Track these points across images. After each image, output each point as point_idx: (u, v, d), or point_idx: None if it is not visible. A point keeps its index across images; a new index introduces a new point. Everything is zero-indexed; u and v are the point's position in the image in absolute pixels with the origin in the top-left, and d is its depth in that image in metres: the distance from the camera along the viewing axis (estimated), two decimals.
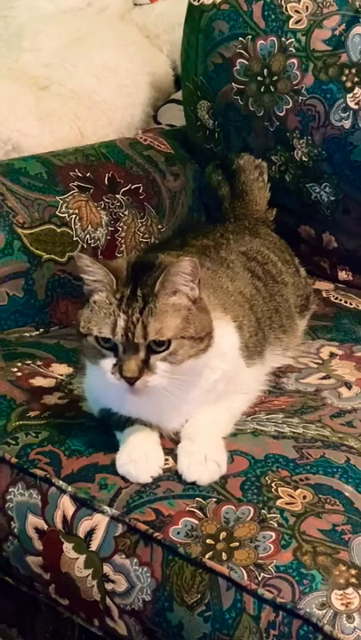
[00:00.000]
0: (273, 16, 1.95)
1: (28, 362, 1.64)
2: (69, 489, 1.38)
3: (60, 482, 1.39)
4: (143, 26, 2.64)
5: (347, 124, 1.88)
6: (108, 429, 1.44)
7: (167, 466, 1.37)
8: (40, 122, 2.22)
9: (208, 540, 1.27)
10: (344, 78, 1.87)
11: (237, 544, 1.25)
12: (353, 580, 1.20)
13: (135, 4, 2.71)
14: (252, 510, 1.29)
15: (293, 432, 1.44)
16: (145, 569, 1.29)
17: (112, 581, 1.31)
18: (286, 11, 1.94)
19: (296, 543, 1.24)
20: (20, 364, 1.63)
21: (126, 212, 1.97)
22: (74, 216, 1.88)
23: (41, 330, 1.82)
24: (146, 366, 1.30)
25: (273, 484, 1.33)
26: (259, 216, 1.96)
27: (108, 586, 1.32)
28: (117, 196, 1.96)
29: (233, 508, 1.30)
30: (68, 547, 1.36)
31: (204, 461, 1.34)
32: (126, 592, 1.30)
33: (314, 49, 1.91)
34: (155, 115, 2.48)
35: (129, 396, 1.33)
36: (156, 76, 2.49)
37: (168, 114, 2.45)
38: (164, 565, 1.28)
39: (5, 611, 1.62)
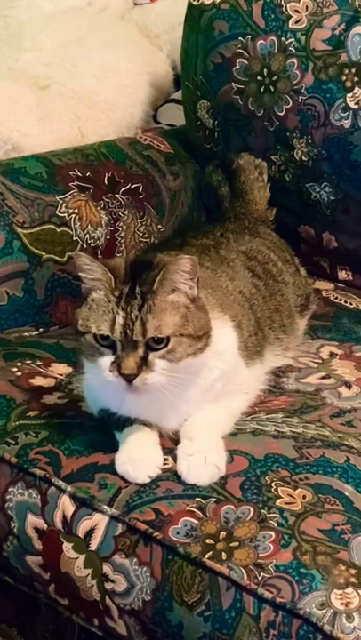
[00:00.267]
0: (273, 16, 1.95)
1: (28, 361, 1.64)
2: (69, 488, 1.38)
3: (60, 481, 1.39)
4: (143, 25, 2.65)
5: (346, 123, 1.88)
6: (107, 429, 1.44)
7: (167, 466, 1.37)
8: (40, 122, 2.22)
9: (208, 540, 1.27)
10: (344, 78, 1.87)
11: (237, 544, 1.25)
12: (353, 580, 1.20)
13: (135, 4, 2.71)
14: (251, 510, 1.29)
15: (293, 432, 1.44)
16: (145, 568, 1.29)
17: (112, 581, 1.31)
18: (286, 10, 1.94)
19: (296, 543, 1.24)
20: (19, 364, 1.63)
21: (126, 212, 1.97)
22: (73, 216, 1.88)
23: (41, 329, 1.82)
24: (144, 364, 1.30)
25: (273, 484, 1.33)
26: (259, 216, 1.96)
27: (108, 585, 1.32)
28: (117, 195, 1.96)
29: (233, 507, 1.30)
30: (67, 546, 1.36)
31: (203, 463, 1.34)
32: (126, 592, 1.30)
33: (314, 48, 1.91)
34: (154, 114, 2.48)
35: (127, 394, 1.33)
36: (155, 76, 2.49)
37: (168, 113, 2.45)
38: (164, 565, 1.28)
39: (5, 610, 1.62)
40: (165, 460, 1.38)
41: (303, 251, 2.03)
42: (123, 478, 1.36)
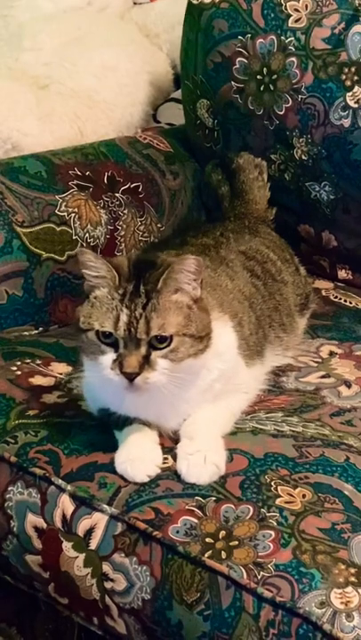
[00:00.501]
0: (272, 15, 1.95)
1: (28, 361, 1.64)
2: (69, 488, 1.38)
3: (60, 480, 1.39)
4: (143, 25, 2.64)
5: (346, 122, 1.88)
6: (107, 428, 1.43)
7: (166, 465, 1.37)
8: (40, 121, 2.22)
9: (207, 539, 1.27)
10: (344, 77, 1.87)
11: (237, 543, 1.25)
12: (352, 579, 1.20)
13: (135, 3, 2.71)
14: (251, 509, 1.29)
15: (293, 431, 1.44)
16: (144, 568, 1.29)
17: (111, 580, 1.31)
18: (286, 9, 1.94)
19: (295, 542, 1.24)
20: (19, 363, 1.63)
21: (126, 211, 1.97)
22: (73, 215, 1.88)
23: (40, 329, 1.82)
24: (146, 363, 1.30)
25: (272, 483, 1.33)
26: (258, 215, 1.96)
27: (108, 584, 1.32)
28: (117, 194, 1.96)
29: (232, 506, 1.30)
30: (67, 545, 1.36)
31: (203, 463, 1.34)
32: (126, 591, 1.30)
33: (313, 47, 1.91)
34: (154, 113, 2.48)
35: (127, 394, 1.33)
36: (155, 75, 2.49)
37: (167, 113, 2.45)
38: (164, 564, 1.27)
39: (5, 609, 1.62)
40: (165, 459, 1.38)
41: (303, 250, 2.03)
42: (122, 477, 1.36)
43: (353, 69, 1.86)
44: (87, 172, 1.94)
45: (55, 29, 2.46)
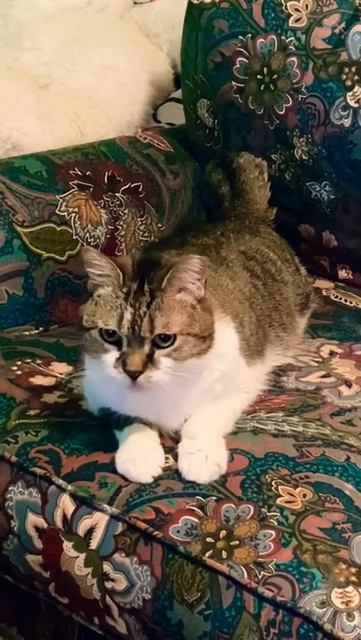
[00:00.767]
0: (273, 14, 1.95)
1: (28, 360, 1.64)
2: (69, 487, 1.38)
3: (60, 480, 1.39)
4: (143, 24, 2.64)
5: (347, 122, 1.88)
6: (107, 428, 1.43)
7: (167, 464, 1.37)
8: (40, 121, 2.22)
9: (208, 539, 1.26)
10: (344, 77, 1.87)
11: (237, 542, 1.25)
12: (353, 579, 1.20)
13: (135, 3, 2.71)
14: (252, 509, 1.29)
15: (293, 430, 1.44)
16: (145, 567, 1.29)
17: (112, 580, 1.31)
18: (286, 9, 1.94)
19: (296, 541, 1.24)
20: (19, 363, 1.63)
21: (126, 211, 1.97)
22: (73, 214, 1.88)
23: (41, 328, 1.82)
24: (150, 361, 1.30)
25: (273, 483, 1.33)
26: (259, 215, 1.96)
27: (108, 584, 1.31)
28: (117, 194, 1.96)
29: (233, 506, 1.30)
30: (67, 545, 1.36)
31: (204, 461, 1.34)
32: (126, 590, 1.30)
33: (314, 47, 1.91)
34: (154, 113, 2.48)
35: (129, 393, 1.33)
36: (155, 75, 2.49)
37: (168, 112, 2.45)
38: (164, 564, 1.27)
39: (5, 609, 1.62)
40: (166, 458, 1.38)
41: (303, 249, 2.03)
42: (123, 477, 1.36)
43: (353, 69, 1.86)
44: (87, 172, 1.94)
45: (55, 29, 2.46)
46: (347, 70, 1.87)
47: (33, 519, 1.40)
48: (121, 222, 1.95)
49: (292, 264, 1.85)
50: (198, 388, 1.39)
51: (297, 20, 1.93)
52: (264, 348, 1.59)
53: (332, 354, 1.70)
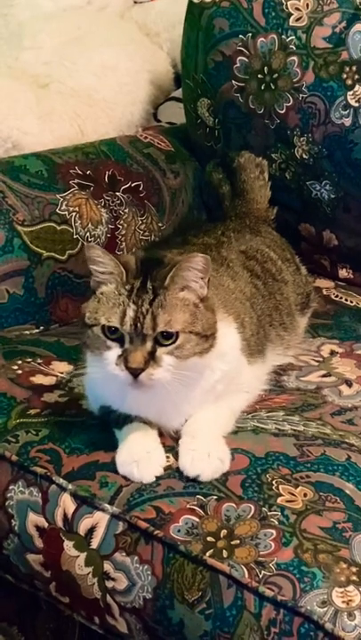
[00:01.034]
0: (273, 13, 1.95)
1: (29, 360, 1.64)
2: (70, 487, 1.38)
3: (61, 480, 1.39)
4: (143, 24, 2.64)
5: (347, 121, 1.88)
6: (108, 427, 1.43)
7: (167, 463, 1.37)
8: (40, 120, 2.22)
9: (209, 538, 1.26)
10: (345, 76, 1.87)
11: (238, 542, 1.25)
12: (354, 578, 1.20)
13: (135, 2, 2.71)
14: (252, 508, 1.29)
15: (294, 430, 1.44)
16: (145, 567, 1.29)
17: (113, 579, 1.31)
18: (287, 8, 1.94)
19: (297, 541, 1.24)
20: (20, 362, 1.63)
21: (126, 210, 1.97)
22: (74, 214, 1.88)
23: (41, 328, 1.82)
24: (152, 359, 1.30)
25: (274, 482, 1.33)
26: (259, 214, 1.96)
27: (109, 584, 1.31)
28: (117, 193, 1.96)
29: (234, 505, 1.30)
30: (68, 544, 1.36)
31: (207, 457, 1.34)
32: (127, 590, 1.30)
33: (314, 46, 1.91)
34: (155, 112, 2.48)
35: (131, 391, 1.33)
36: (156, 74, 2.49)
37: (168, 111, 2.45)
38: (165, 563, 1.27)
39: (6, 609, 1.62)
40: (166, 457, 1.37)
41: (304, 249, 2.03)
42: (124, 477, 1.36)
43: (354, 68, 1.86)
44: (88, 171, 1.94)
45: (55, 28, 2.46)
46: (347, 69, 1.87)
47: (34, 518, 1.40)
48: (121, 221, 1.95)
49: (293, 263, 1.85)
50: (200, 388, 1.39)
51: (298, 20, 1.93)
52: (265, 347, 1.59)
53: (332, 353, 1.70)
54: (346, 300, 1.95)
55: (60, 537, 1.37)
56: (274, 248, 1.81)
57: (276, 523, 1.26)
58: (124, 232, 1.95)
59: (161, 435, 1.41)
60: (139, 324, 1.29)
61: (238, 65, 2.00)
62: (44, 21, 2.48)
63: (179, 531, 1.28)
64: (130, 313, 1.30)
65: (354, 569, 1.21)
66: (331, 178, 1.93)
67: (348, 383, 1.59)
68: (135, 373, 1.29)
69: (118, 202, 1.96)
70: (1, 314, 1.77)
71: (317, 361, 1.67)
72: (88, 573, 1.34)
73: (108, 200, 1.94)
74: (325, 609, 1.17)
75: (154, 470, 1.35)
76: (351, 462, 1.38)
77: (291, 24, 1.93)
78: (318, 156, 1.93)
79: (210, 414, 1.41)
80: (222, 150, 2.08)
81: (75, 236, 1.87)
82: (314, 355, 1.69)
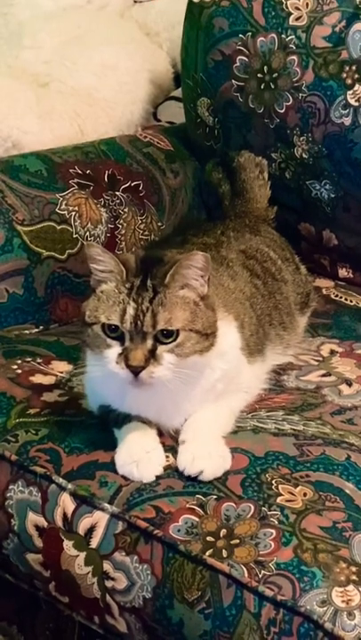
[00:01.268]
0: (273, 13, 1.95)
1: (28, 359, 1.64)
2: (69, 486, 1.38)
3: (61, 479, 1.39)
4: (143, 23, 2.64)
5: (347, 121, 1.88)
6: (108, 427, 1.43)
7: (167, 463, 1.37)
8: (40, 119, 2.22)
9: (208, 538, 1.26)
10: (344, 75, 1.87)
11: (238, 541, 1.25)
12: (354, 578, 1.20)
13: (135, 2, 2.71)
14: (252, 507, 1.29)
15: (294, 429, 1.44)
16: (145, 566, 1.29)
17: (112, 579, 1.31)
18: (286, 7, 1.94)
19: (297, 540, 1.24)
20: (19, 362, 1.63)
21: (126, 210, 1.97)
22: (74, 213, 1.88)
23: (41, 327, 1.82)
24: (152, 357, 1.30)
25: (273, 482, 1.33)
26: (259, 214, 1.96)
27: (109, 583, 1.31)
28: (117, 193, 1.96)
29: (233, 505, 1.30)
30: (68, 544, 1.36)
31: (208, 455, 1.34)
32: (126, 589, 1.30)
33: (314, 46, 1.91)
34: (154, 112, 2.47)
35: (131, 389, 1.32)
36: (155, 74, 2.49)
37: (168, 111, 2.45)
38: (165, 563, 1.27)
39: (6, 608, 1.62)
40: (166, 457, 1.37)
41: (304, 248, 2.03)
42: (123, 476, 1.36)
43: (354, 68, 1.86)
44: (88, 171, 1.94)
45: (55, 28, 2.46)
46: (347, 69, 1.87)
47: (33, 518, 1.40)
48: (121, 221, 1.95)
49: (293, 263, 1.84)
50: (200, 387, 1.39)
51: (297, 19, 1.93)
52: (264, 346, 1.59)
53: (332, 353, 1.70)
54: (346, 299, 1.95)
55: (60, 536, 1.37)
56: (274, 247, 1.81)
57: (276, 522, 1.26)
58: (123, 231, 1.95)
59: (160, 434, 1.41)
60: (139, 322, 1.29)
61: (238, 64, 2.00)
62: (44, 20, 2.48)
63: (178, 530, 1.28)
64: (130, 311, 1.30)
65: (354, 568, 1.21)
66: (331, 177, 1.93)
67: (348, 383, 1.59)
68: (135, 371, 1.29)
69: (118, 201, 1.96)
70: (0, 313, 1.77)
71: (317, 360, 1.67)
72: (88, 573, 1.34)
73: (108, 199, 1.94)
74: (325, 608, 1.17)
75: (154, 470, 1.35)
76: (351, 462, 1.38)
77: (290, 23, 1.93)
78: (318, 156, 1.93)
79: (210, 414, 1.41)
80: (222, 150, 2.08)
81: (74, 236, 1.87)
82: (314, 354, 1.69)
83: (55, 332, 1.79)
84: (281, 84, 1.95)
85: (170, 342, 1.30)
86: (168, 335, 1.30)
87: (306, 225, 2.04)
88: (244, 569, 1.22)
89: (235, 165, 2.00)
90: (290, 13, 1.93)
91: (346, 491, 1.32)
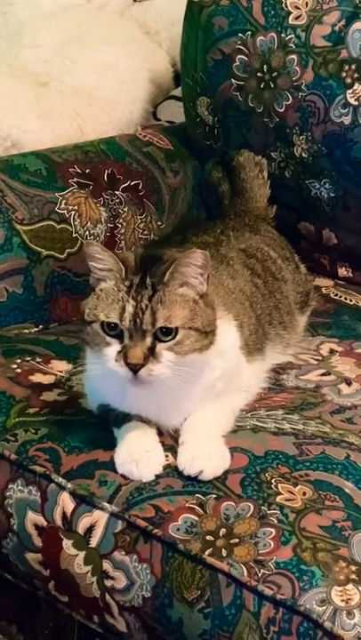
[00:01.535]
0: (273, 12, 1.95)
1: (28, 358, 1.64)
2: (69, 485, 1.38)
3: (60, 478, 1.39)
4: (143, 22, 2.64)
5: (347, 120, 1.87)
6: (107, 426, 1.43)
7: (167, 462, 1.37)
8: (40, 118, 2.22)
9: (208, 537, 1.26)
10: (344, 74, 1.87)
11: (237, 540, 1.25)
12: (353, 577, 1.19)
13: (135, 1, 2.71)
14: (251, 507, 1.29)
15: (293, 428, 1.44)
16: (145, 565, 1.29)
17: (112, 578, 1.31)
18: (286, 7, 1.93)
19: (296, 539, 1.24)
20: (19, 361, 1.63)
21: (126, 209, 1.96)
22: (73, 212, 1.88)
23: (40, 326, 1.82)
24: (151, 354, 1.30)
25: (273, 481, 1.33)
26: (259, 213, 1.96)
27: (108, 582, 1.31)
28: (117, 192, 1.96)
29: (233, 504, 1.30)
30: (67, 543, 1.36)
31: (208, 455, 1.34)
32: (126, 589, 1.30)
33: (314, 45, 1.91)
34: (154, 111, 2.48)
35: (130, 388, 1.32)
36: (155, 73, 2.49)
37: (168, 110, 2.45)
38: (164, 562, 1.27)
39: (5, 608, 1.62)
40: (165, 456, 1.37)
41: (303, 247, 2.02)
42: (122, 475, 1.36)
43: (353, 67, 1.86)
44: (87, 170, 1.94)
45: (55, 27, 2.46)
46: (347, 68, 1.87)
47: (32, 517, 1.40)
48: (121, 220, 1.95)
49: (292, 262, 1.84)
50: (199, 386, 1.39)
51: (297, 18, 1.93)
52: (264, 345, 1.59)
53: (332, 352, 1.70)
54: (345, 298, 1.95)
55: (59, 536, 1.37)
56: (273, 247, 1.81)
57: (276, 521, 1.26)
58: (123, 231, 1.95)
59: (160, 434, 1.41)
60: (138, 320, 1.30)
61: (238, 63, 2.00)
62: (44, 20, 2.48)
63: (178, 529, 1.28)
64: (129, 309, 1.30)
65: (353, 567, 1.20)
66: (330, 176, 1.93)
67: (348, 382, 1.59)
68: (135, 369, 1.29)
69: (118, 200, 1.96)
70: (0, 312, 1.77)
71: (317, 359, 1.67)
72: (87, 572, 1.34)
73: (108, 199, 1.94)
74: (325, 608, 1.17)
75: (153, 469, 1.35)
76: (350, 461, 1.38)
77: (290, 22, 1.93)
78: (318, 155, 1.93)
79: (209, 413, 1.41)
80: (222, 149, 2.08)
81: (74, 235, 1.87)
82: (313, 353, 1.69)
83: (55, 332, 1.79)
84: (281, 84, 1.95)
85: (169, 340, 1.30)
86: (167, 333, 1.30)
87: (305, 224, 2.04)
88: (244, 568, 1.22)
89: (234, 164, 2.00)
90: (289, 12, 1.93)
91: (345, 490, 1.32)
